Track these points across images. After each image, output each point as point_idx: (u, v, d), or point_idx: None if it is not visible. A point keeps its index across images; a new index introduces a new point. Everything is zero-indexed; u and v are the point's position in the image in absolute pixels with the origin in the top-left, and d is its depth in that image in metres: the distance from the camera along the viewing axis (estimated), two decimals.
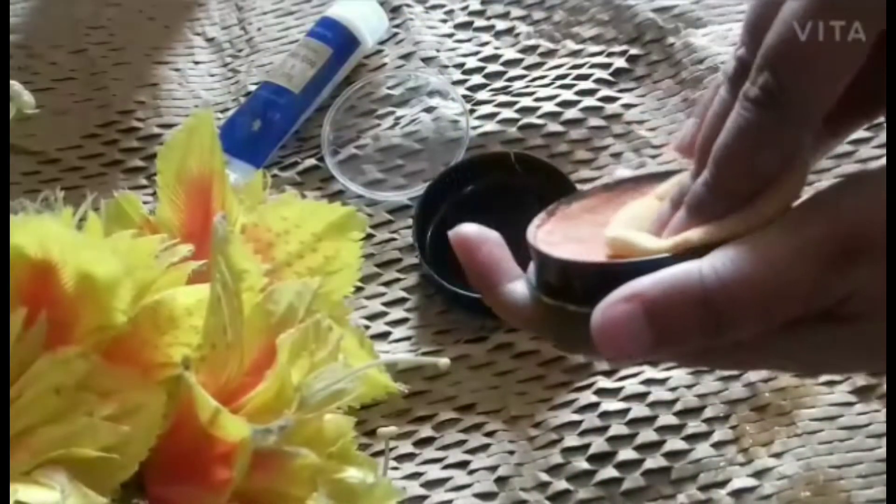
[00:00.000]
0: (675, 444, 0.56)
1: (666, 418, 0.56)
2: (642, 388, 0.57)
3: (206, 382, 0.41)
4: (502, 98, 0.69)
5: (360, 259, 0.50)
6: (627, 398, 0.57)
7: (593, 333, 0.30)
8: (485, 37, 0.72)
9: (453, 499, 0.56)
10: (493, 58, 0.71)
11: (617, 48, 0.71)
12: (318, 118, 0.69)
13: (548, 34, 0.72)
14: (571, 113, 0.68)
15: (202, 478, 0.42)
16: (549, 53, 0.71)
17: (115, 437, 0.40)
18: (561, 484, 0.55)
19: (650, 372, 0.58)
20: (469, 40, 0.72)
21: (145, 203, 0.56)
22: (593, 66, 0.70)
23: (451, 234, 0.36)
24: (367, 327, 0.61)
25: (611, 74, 0.69)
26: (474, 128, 0.67)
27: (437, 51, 0.71)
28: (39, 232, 0.40)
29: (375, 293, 0.63)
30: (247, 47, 0.74)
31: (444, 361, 0.45)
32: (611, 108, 0.68)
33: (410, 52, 0.72)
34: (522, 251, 0.36)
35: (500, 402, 0.58)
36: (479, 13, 0.74)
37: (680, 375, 0.57)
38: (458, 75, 0.70)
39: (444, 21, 0.73)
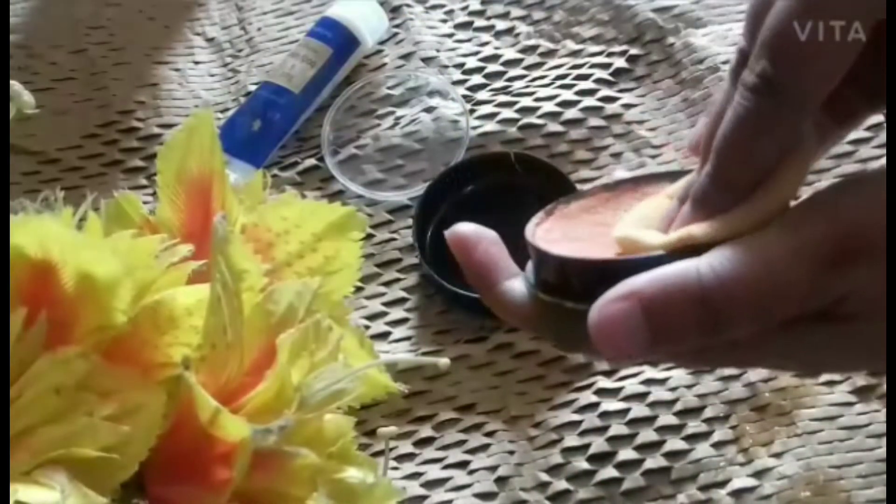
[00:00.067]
0: (675, 444, 0.56)
1: (666, 418, 0.56)
2: (642, 388, 0.57)
3: (206, 382, 0.41)
4: (502, 98, 0.69)
5: (360, 259, 0.50)
6: (627, 398, 0.57)
7: (591, 331, 0.30)
8: (485, 37, 0.72)
9: (453, 499, 0.56)
10: (493, 58, 0.71)
11: (617, 48, 0.71)
12: (318, 118, 0.69)
13: (548, 34, 0.72)
14: (571, 113, 0.68)
15: (202, 478, 0.42)
16: (549, 53, 0.71)
17: (115, 437, 0.40)
18: (561, 484, 0.55)
19: (650, 372, 0.58)
20: (469, 40, 0.72)
21: (145, 203, 0.56)
22: (593, 66, 0.70)
23: (447, 233, 0.36)
24: (367, 327, 0.61)
25: (611, 74, 0.69)
26: (474, 128, 0.67)
27: (437, 51, 0.71)
28: (39, 232, 0.40)
29: (375, 293, 0.63)
30: (247, 47, 0.74)
31: (444, 361, 0.45)
32: (611, 108, 0.68)
33: (410, 52, 0.72)
34: (522, 251, 0.36)
35: (500, 402, 0.58)
36: (479, 13, 0.74)
37: (680, 375, 0.57)
38: (458, 75, 0.70)
39: (444, 21, 0.73)
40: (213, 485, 0.41)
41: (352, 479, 0.44)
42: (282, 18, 0.75)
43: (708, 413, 0.57)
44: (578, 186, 0.64)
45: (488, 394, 0.59)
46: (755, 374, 0.57)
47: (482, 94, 0.69)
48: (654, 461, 0.55)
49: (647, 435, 0.56)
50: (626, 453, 0.56)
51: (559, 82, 0.69)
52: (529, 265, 0.36)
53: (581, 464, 0.56)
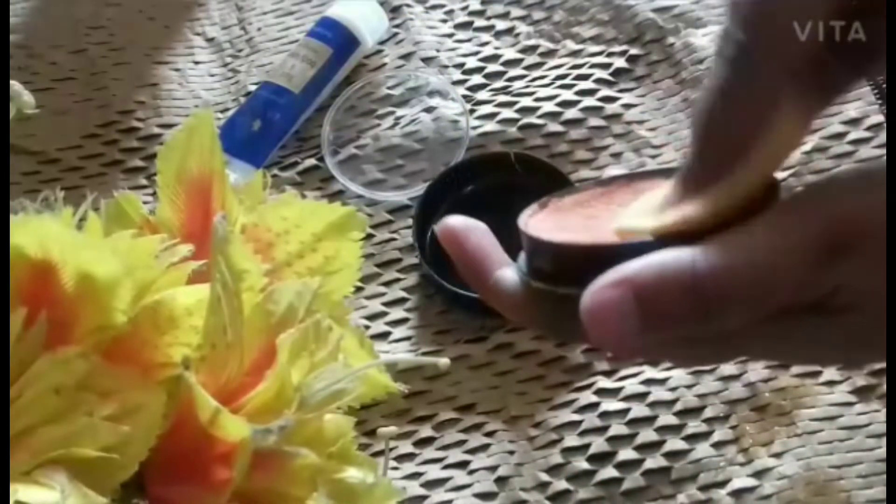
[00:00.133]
0: (675, 444, 0.56)
1: (666, 418, 0.56)
2: (642, 388, 0.57)
3: (206, 382, 0.41)
4: (502, 98, 0.69)
5: (360, 259, 0.50)
6: (627, 398, 0.57)
7: (582, 316, 0.30)
8: (485, 37, 0.72)
9: (453, 499, 0.56)
10: (493, 58, 0.71)
11: (617, 48, 0.71)
12: (318, 118, 0.69)
13: (548, 34, 0.72)
14: (571, 113, 0.68)
15: (202, 478, 0.42)
16: (549, 53, 0.71)
17: (115, 437, 0.40)
18: (561, 484, 0.55)
19: (650, 372, 0.58)
20: (469, 40, 0.72)
21: (145, 203, 0.56)
22: (593, 66, 0.70)
23: (437, 227, 0.36)
24: (367, 327, 0.61)
25: (611, 74, 0.69)
26: (474, 128, 0.67)
27: (437, 51, 0.71)
28: (39, 232, 0.40)
29: (375, 293, 0.63)
30: (247, 47, 0.74)
31: (444, 361, 0.45)
32: (611, 108, 0.68)
33: (410, 52, 0.72)
34: (519, 249, 0.36)
35: (500, 402, 0.58)
36: (479, 13, 0.74)
37: (680, 375, 0.58)
38: (458, 75, 0.70)
39: (444, 21, 0.73)
40: (213, 485, 0.41)
41: (352, 479, 0.44)
42: (282, 18, 0.75)
43: (708, 413, 0.57)
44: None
45: (488, 394, 0.59)
46: (755, 374, 0.57)
47: (482, 94, 0.69)
48: (654, 461, 0.55)
49: (647, 435, 0.56)
50: (626, 453, 0.56)
51: (559, 82, 0.69)
52: (522, 255, 0.36)
53: (581, 464, 0.56)
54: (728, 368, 0.58)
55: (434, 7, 0.74)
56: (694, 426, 0.56)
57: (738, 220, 0.31)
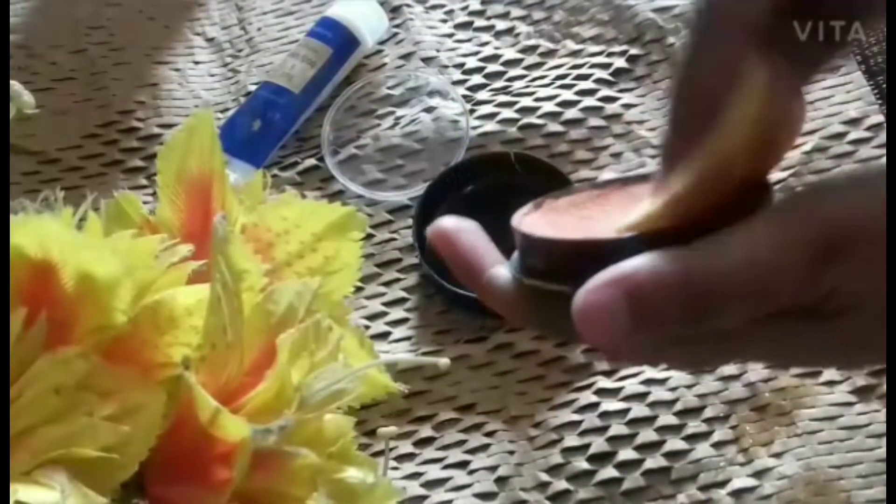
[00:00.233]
0: (675, 444, 0.56)
1: (666, 418, 0.56)
2: (642, 388, 0.57)
3: (206, 382, 0.41)
4: (502, 98, 0.69)
5: (360, 259, 0.50)
6: (627, 398, 0.57)
7: (574, 316, 0.30)
8: (485, 37, 0.72)
9: (453, 499, 0.56)
10: (493, 58, 0.71)
11: (617, 48, 0.71)
12: (318, 118, 0.69)
13: (548, 34, 0.72)
14: (571, 113, 0.68)
15: (202, 478, 0.42)
16: (549, 53, 0.71)
17: (115, 437, 0.40)
18: (561, 484, 0.55)
19: (650, 372, 0.58)
20: (469, 40, 0.72)
21: (145, 203, 0.56)
22: (593, 66, 0.70)
23: (428, 230, 0.36)
24: (367, 327, 0.61)
25: (611, 74, 0.69)
26: (474, 128, 0.67)
27: (437, 51, 0.71)
28: (39, 232, 0.40)
29: (375, 293, 0.63)
30: (247, 47, 0.74)
31: (444, 361, 0.45)
32: (611, 108, 0.68)
33: (410, 52, 0.72)
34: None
35: (500, 402, 0.58)
36: (479, 13, 0.74)
37: (680, 375, 0.57)
38: (458, 75, 0.70)
39: (444, 21, 0.73)
40: (213, 485, 0.41)
41: (352, 479, 0.44)
42: (282, 18, 0.75)
43: (708, 413, 0.57)
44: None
45: (488, 394, 0.59)
46: (755, 374, 0.57)
47: (482, 94, 0.69)
48: (654, 461, 0.55)
49: (647, 435, 0.56)
50: (626, 453, 0.56)
51: (559, 82, 0.69)
52: (515, 253, 0.36)
53: (581, 464, 0.56)
54: (728, 368, 0.58)
55: (434, 7, 0.74)
56: (694, 426, 0.56)
57: (730, 221, 0.31)
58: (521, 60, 0.71)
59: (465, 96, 0.69)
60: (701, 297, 0.29)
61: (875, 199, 0.29)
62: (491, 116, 0.68)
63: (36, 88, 0.68)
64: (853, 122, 0.65)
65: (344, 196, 0.66)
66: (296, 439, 0.42)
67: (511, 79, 0.70)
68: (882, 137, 0.64)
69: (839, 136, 0.64)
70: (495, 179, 0.65)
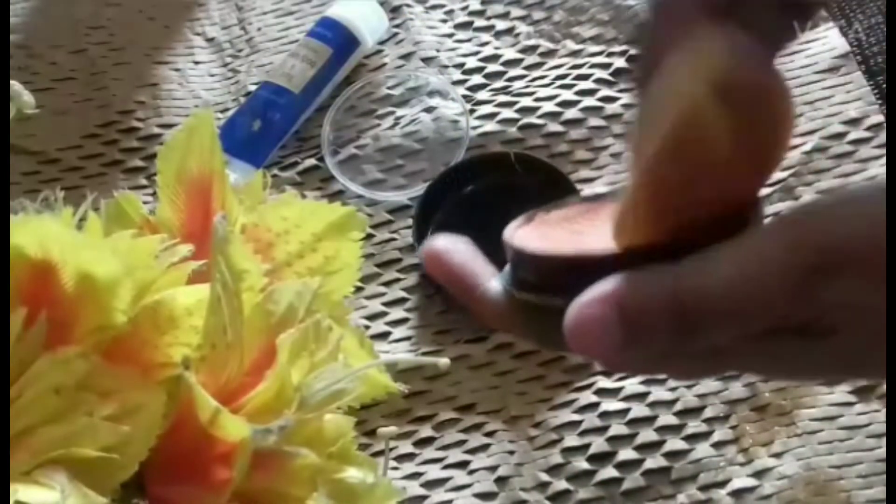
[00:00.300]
0: (675, 444, 0.56)
1: (666, 418, 0.56)
2: (642, 388, 0.57)
3: (206, 382, 0.41)
4: (502, 98, 0.69)
5: (360, 259, 0.51)
6: (627, 398, 0.57)
7: (566, 332, 0.31)
8: (485, 37, 0.72)
9: (453, 499, 0.56)
10: (493, 58, 0.71)
11: (617, 48, 0.71)
12: (318, 118, 0.69)
13: (548, 34, 0.72)
14: (571, 113, 0.68)
15: (202, 478, 0.42)
16: (549, 53, 0.71)
17: (115, 437, 0.40)
18: (561, 484, 0.55)
19: None
20: (469, 40, 0.72)
21: (145, 203, 0.56)
22: (593, 66, 0.70)
23: (422, 252, 0.37)
24: (367, 327, 0.61)
25: (611, 74, 0.69)
26: (474, 128, 0.67)
27: (437, 51, 0.71)
28: (39, 232, 0.40)
29: (375, 293, 0.63)
30: (247, 47, 0.74)
31: (444, 361, 0.45)
32: (611, 108, 0.68)
33: (410, 52, 0.72)
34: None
35: (500, 402, 0.58)
36: (479, 13, 0.74)
37: None
38: (458, 75, 0.70)
39: (444, 21, 0.73)
40: (213, 485, 0.41)
41: (352, 479, 0.44)
42: (282, 18, 0.75)
43: (708, 413, 0.57)
44: (578, 186, 0.64)
45: (488, 394, 0.59)
46: None
47: (482, 94, 0.69)
48: (654, 461, 0.55)
49: (647, 435, 0.56)
50: (626, 453, 0.56)
51: (559, 82, 0.69)
52: (507, 266, 0.36)
53: (581, 464, 0.56)
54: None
55: (434, 7, 0.74)
56: (694, 426, 0.56)
57: (720, 234, 0.31)
58: (521, 60, 0.71)
59: (465, 96, 0.69)
60: (690, 316, 0.30)
61: (864, 218, 0.29)
62: (491, 116, 0.68)
63: (36, 88, 0.68)
64: (853, 122, 0.65)
65: (344, 196, 0.66)
66: (296, 439, 0.42)
67: (511, 79, 0.70)
68: (882, 137, 0.64)
69: (839, 136, 0.65)
70: (495, 179, 0.65)
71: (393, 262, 0.64)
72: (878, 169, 0.63)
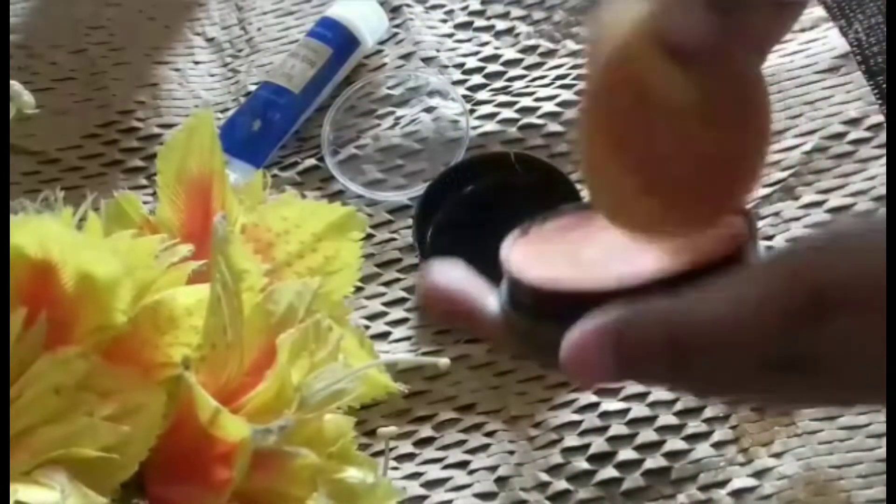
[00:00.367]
0: (675, 444, 0.56)
1: (666, 418, 0.56)
2: (642, 388, 0.57)
3: (206, 382, 0.41)
4: (502, 98, 0.69)
5: (360, 259, 0.51)
6: (627, 398, 0.57)
7: (561, 360, 0.31)
8: (485, 37, 0.72)
9: (453, 499, 0.56)
10: (493, 58, 0.71)
11: None
12: (318, 118, 0.69)
13: (548, 34, 0.72)
14: (572, 113, 0.68)
15: (202, 478, 0.42)
16: (549, 53, 0.71)
17: (115, 437, 0.40)
18: (561, 484, 0.55)
19: None
20: (469, 40, 0.72)
21: (145, 203, 0.56)
22: None
23: (423, 283, 0.37)
24: (367, 327, 0.61)
25: None
26: (474, 128, 0.67)
27: (437, 51, 0.71)
28: (39, 232, 0.40)
29: (375, 293, 0.63)
30: (247, 47, 0.74)
31: (444, 361, 0.45)
32: None
33: (410, 52, 0.72)
34: None
35: (500, 402, 0.58)
36: (479, 13, 0.73)
37: None
38: (458, 75, 0.70)
39: (444, 21, 0.73)
40: (213, 485, 0.41)
41: (352, 479, 0.44)
42: (282, 18, 0.75)
43: (708, 413, 0.57)
44: (578, 186, 0.64)
45: (488, 394, 0.59)
46: None
47: (482, 94, 0.69)
48: (654, 461, 0.55)
49: (647, 435, 0.56)
50: (626, 453, 0.56)
51: (559, 82, 0.69)
52: (503, 284, 0.36)
53: (581, 464, 0.56)
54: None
55: (434, 7, 0.74)
56: (694, 426, 0.56)
57: (716, 264, 0.31)
58: (521, 60, 0.71)
59: (465, 96, 0.69)
60: (684, 350, 0.30)
61: (860, 256, 0.29)
62: (491, 116, 0.68)
63: (36, 88, 0.68)
64: (853, 122, 0.65)
65: (344, 196, 0.66)
66: (296, 439, 0.42)
67: (511, 79, 0.70)
68: (882, 137, 0.64)
69: (839, 136, 0.64)
70: (495, 179, 0.65)
71: (393, 262, 0.64)
72: (878, 169, 0.63)
